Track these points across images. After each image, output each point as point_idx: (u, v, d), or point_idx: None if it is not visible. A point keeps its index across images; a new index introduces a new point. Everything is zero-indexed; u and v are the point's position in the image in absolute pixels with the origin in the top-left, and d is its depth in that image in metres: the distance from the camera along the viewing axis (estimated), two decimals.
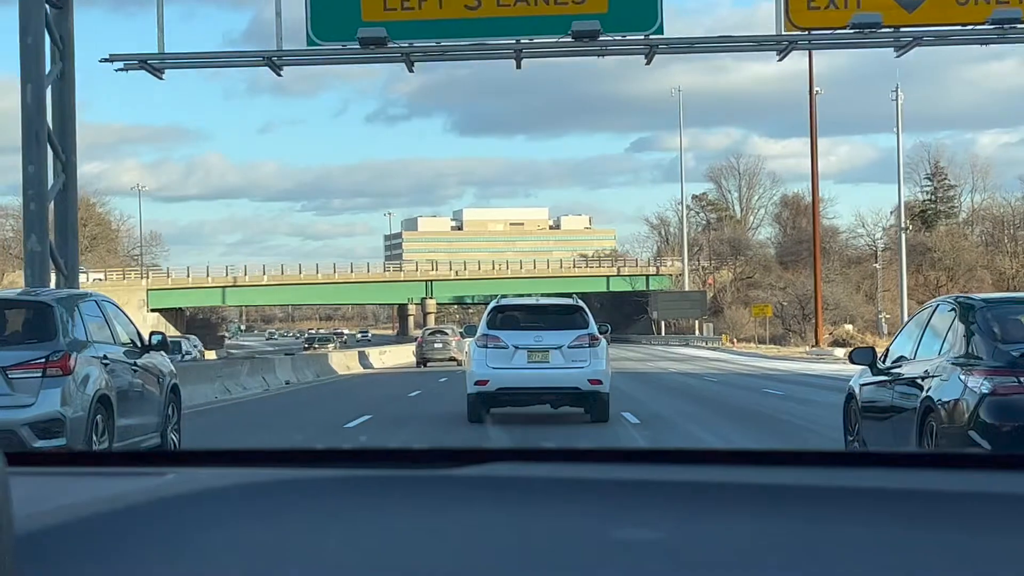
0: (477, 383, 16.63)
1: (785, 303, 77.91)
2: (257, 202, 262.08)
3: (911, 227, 71.77)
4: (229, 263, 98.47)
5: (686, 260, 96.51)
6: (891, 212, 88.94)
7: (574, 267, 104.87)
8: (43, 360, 9.43)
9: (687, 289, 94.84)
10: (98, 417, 9.72)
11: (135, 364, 10.46)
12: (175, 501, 1.44)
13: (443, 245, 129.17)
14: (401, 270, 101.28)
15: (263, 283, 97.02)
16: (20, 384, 9.35)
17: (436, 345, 42.58)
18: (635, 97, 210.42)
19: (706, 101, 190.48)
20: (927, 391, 7.96)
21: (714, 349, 66.78)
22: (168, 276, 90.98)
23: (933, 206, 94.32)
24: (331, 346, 74.27)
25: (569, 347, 16.52)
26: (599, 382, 16.32)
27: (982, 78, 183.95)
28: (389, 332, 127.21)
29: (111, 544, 1.30)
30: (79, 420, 9.49)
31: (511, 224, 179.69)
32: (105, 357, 9.93)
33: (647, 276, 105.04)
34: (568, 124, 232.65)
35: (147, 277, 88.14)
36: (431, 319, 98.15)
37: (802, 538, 1.29)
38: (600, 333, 16.97)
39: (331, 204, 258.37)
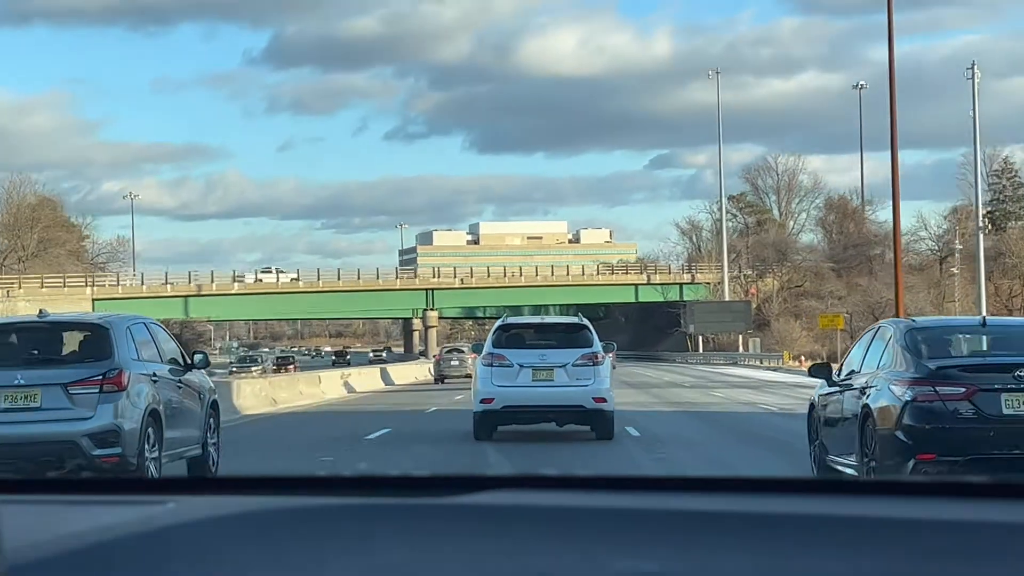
0: (483, 401, 19.01)
1: (848, 313, 76.75)
2: (276, 220, 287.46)
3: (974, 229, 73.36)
4: (194, 269, 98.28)
5: (726, 266, 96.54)
6: (945, 216, 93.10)
7: (597, 274, 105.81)
8: (100, 377, 12.25)
9: (728, 299, 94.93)
10: (149, 430, 12.53)
11: (179, 381, 13.38)
12: (173, 530, 1.57)
13: (459, 260, 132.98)
14: (397, 278, 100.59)
15: (232, 292, 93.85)
16: (79, 399, 12.16)
17: (453, 363, 53.12)
18: (654, 114, 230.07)
19: (725, 117, 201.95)
20: (865, 399, 11.07)
21: (774, 369, 64.92)
22: (119, 284, 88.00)
23: (1002, 206, 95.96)
24: (255, 370, 70.28)
25: (574, 365, 18.91)
26: (603, 400, 18.76)
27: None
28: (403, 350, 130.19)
29: (108, 575, 1.39)
30: (133, 432, 12.28)
31: (529, 238, 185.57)
32: (154, 374, 12.80)
33: (680, 285, 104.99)
34: (587, 141, 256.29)
35: (92, 285, 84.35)
36: (432, 335, 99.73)
37: (803, 569, 1.41)
38: (605, 351, 19.61)
39: (350, 222, 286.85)
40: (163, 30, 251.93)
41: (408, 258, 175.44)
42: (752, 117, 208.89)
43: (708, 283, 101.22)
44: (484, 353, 19.52)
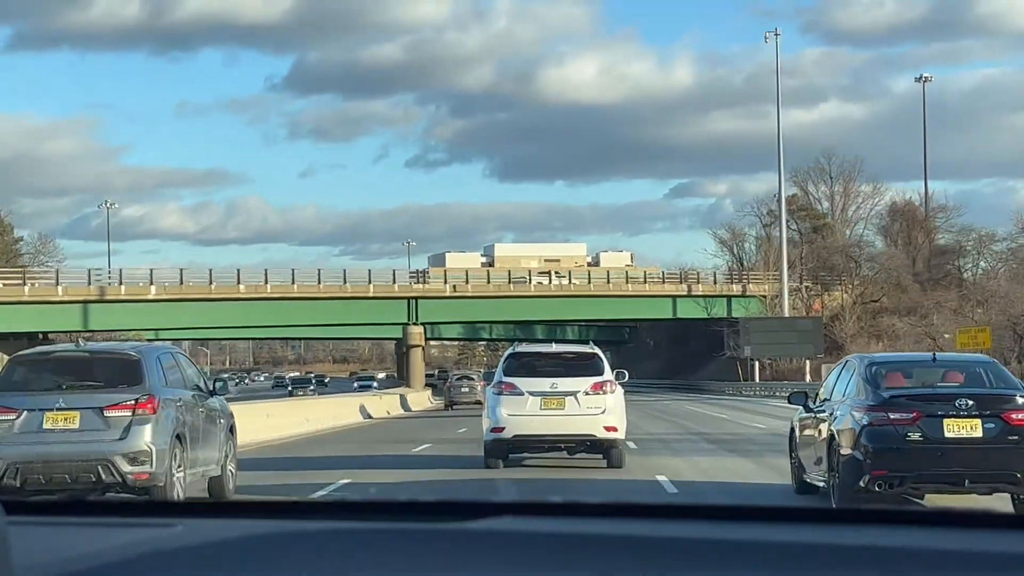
0: (493, 430, 22.23)
1: (944, 333, 77.02)
2: (295, 246, 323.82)
3: None
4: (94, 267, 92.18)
5: (785, 274, 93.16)
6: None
7: (627, 283, 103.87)
8: (132, 402, 16.35)
9: (788, 315, 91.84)
10: (175, 450, 16.61)
11: (202, 406, 17.57)
12: (180, 553, 1.81)
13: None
14: (370, 282, 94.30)
15: (148, 297, 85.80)
16: (114, 421, 16.26)
17: (463, 389, 67.30)
18: (674, 143, 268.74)
19: (744, 147, 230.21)
20: (832, 423, 15.40)
21: None
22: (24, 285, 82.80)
23: None
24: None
25: (585, 394, 22.11)
26: (615, 429, 22.04)
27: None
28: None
29: None
30: (161, 452, 16.35)
31: (546, 260, 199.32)
32: (179, 400, 16.94)
33: (728, 298, 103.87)
34: (607, 169, 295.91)
35: None
36: (415, 357, 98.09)
37: None
38: (616, 379, 22.75)
39: (368, 248, 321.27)
40: (186, 55, 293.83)
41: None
42: (772, 147, 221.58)
43: (763, 296, 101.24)
44: (494, 381, 22.91)
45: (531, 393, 22.30)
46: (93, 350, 17.73)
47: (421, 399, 75.81)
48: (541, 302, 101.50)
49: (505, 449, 22.49)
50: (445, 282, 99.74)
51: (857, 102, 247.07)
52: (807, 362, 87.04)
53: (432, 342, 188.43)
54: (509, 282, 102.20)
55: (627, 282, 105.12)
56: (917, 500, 15.89)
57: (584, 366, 22.74)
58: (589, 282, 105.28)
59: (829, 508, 2.40)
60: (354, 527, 2.08)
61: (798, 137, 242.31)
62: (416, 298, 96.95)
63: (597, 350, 23.66)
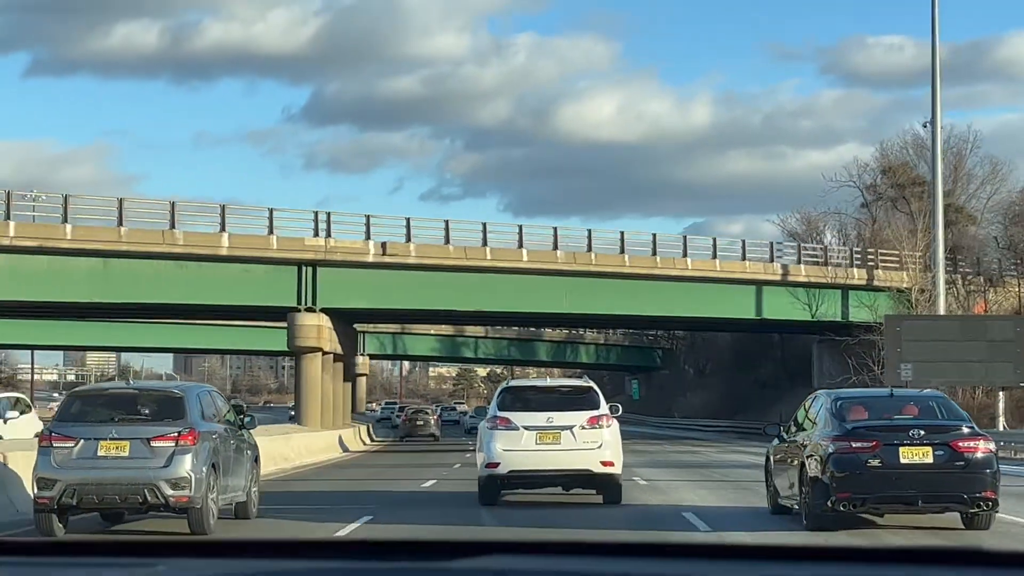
0: (488, 465, 22.94)
1: None
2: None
3: None
4: None
5: (941, 257, 62.93)
6: None
7: (685, 257, 68.28)
8: (176, 434, 20.13)
9: (943, 312, 62.52)
10: (210, 478, 20.40)
11: (232, 438, 20.76)
12: None
13: None
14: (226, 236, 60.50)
15: None
16: (159, 451, 20.04)
17: (419, 423, 73.69)
18: (691, 183, 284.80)
19: (762, 187, 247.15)
20: (803, 451, 18.11)
21: None
22: None
23: None
24: None
25: (581, 428, 22.78)
26: (611, 464, 22.86)
27: None
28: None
29: None
30: (200, 479, 20.16)
31: None
32: (215, 433, 20.76)
33: (844, 289, 72.90)
34: (622, 207, 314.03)
35: None
36: (313, 368, 63.82)
37: None
38: (611, 413, 23.44)
39: None
40: (205, 85, 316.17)
41: None
42: (789, 188, 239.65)
43: (903, 288, 71.46)
44: (489, 416, 23.73)
45: (526, 428, 22.99)
46: (142, 388, 21.41)
47: (340, 441, 58.81)
48: (540, 283, 66.01)
49: (500, 485, 23.31)
50: (367, 237, 62.33)
51: (875, 144, 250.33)
52: (1001, 394, 56.28)
53: (387, 364, 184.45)
54: (484, 244, 64.31)
55: (684, 255, 68.66)
56: (877, 518, 18.28)
57: (579, 400, 23.49)
58: (623, 251, 67.54)
59: (850, 547, 2.84)
60: (343, 567, 2.12)
61: (814, 179, 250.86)
62: (313, 264, 61.87)
63: (592, 383, 24.93)
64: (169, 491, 19.35)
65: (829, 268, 72.25)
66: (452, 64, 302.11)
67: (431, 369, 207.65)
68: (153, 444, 19.53)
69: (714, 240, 71.78)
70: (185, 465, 19.44)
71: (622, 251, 67.29)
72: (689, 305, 70.05)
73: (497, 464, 22.86)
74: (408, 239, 62.68)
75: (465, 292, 64.19)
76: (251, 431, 23.13)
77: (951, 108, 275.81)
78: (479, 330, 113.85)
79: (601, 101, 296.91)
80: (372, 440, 69.92)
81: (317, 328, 62.12)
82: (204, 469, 19.76)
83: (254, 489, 22.47)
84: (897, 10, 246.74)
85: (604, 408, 23.41)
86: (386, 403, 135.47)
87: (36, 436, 23.26)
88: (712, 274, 68.84)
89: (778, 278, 70.68)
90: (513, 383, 25.61)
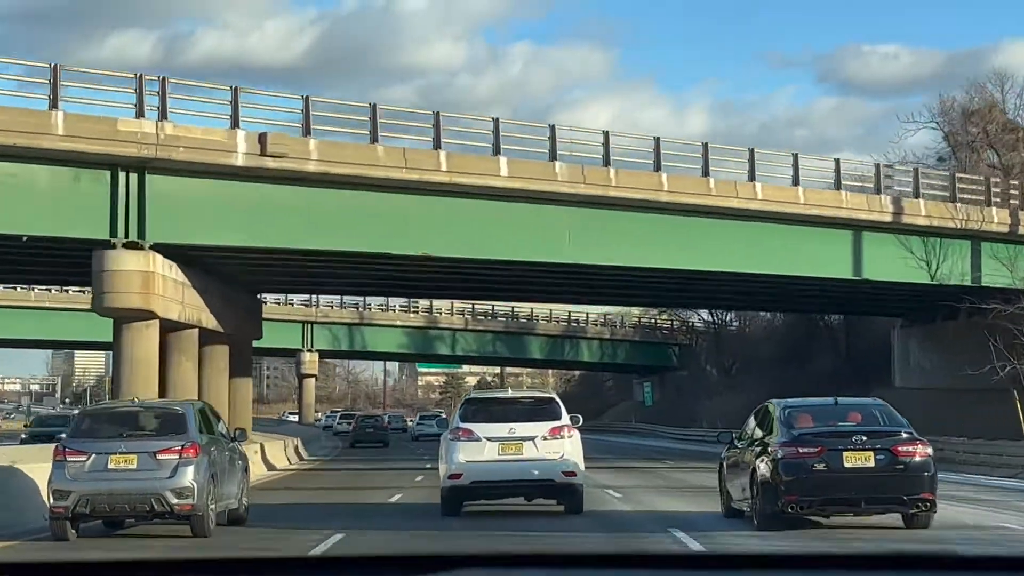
0: (450, 477, 23.74)
1: None
2: None
3: None
4: None
5: None
6: None
7: (753, 185, 47.82)
8: (179, 447, 23.02)
9: None
10: (210, 486, 22.08)
11: (227, 450, 23.37)
12: None
13: None
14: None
15: None
16: (164, 463, 22.90)
17: (368, 430, 76.24)
18: None
19: None
20: (754, 456, 19.87)
21: None
22: None
23: None
24: None
25: (543, 438, 23.69)
26: (573, 474, 23.94)
27: None
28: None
29: None
30: (201, 488, 23.11)
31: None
32: (213, 446, 23.31)
33: (977, 237, 53.32)
34: None
35: None
36: (135, 377, 39.37)
37: None
38: (573, 424, 24.35)
39: None
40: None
41: None
42: None
43: None
44: (451, 427, 24.66)
45: (488, 439, 23.73)
46: (147, 405, 24.45)
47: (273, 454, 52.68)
48: (528, 213, 44.58)
49: (462, 496, 24.23)
50: (235, 124, 39.57)
51: (868, 153, 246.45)
52: None
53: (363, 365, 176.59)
54: (438, 148, 42.13)
55: (752, 178, 47.93)
56: (823, 519, 19.90)
57: (541, 411, 24.41)
58: (658, 167, 46.00)
59: (814, 553, 2.80)
60: None
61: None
62: (139, 166, 38.96)
63: (554, 395, 26.50)
64: (174, 500, 21.89)
65: (959, 207, 51.45)
66: (448, 74, 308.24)
67: (420, 378, 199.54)
68: (159, 457, 22.05)
69: (795, 157, 49.23)
70: (188, 476, 21.98)
71: (657, 167, 45.26)
72: (752, 256, 48.51)
73: (460, 475, 23.60)
74: (307, 131, 39.96)
75: (405, 225, 42.54)
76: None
77: None
78: (457, 320, 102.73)
79: (597, 110, 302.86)
80: (302, 458, 57.24)
81: (144, 277, 38.84)
82: (205, 479, 22.34)
83: (245, 498, 24.93)
84: (893, 20, 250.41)
85: (566, 419, 24.24)
86: (330, 412, 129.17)
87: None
88: (791, 209, 47.80)
89: (887, 219, 49.95)
90: (475, 394, 26.83)
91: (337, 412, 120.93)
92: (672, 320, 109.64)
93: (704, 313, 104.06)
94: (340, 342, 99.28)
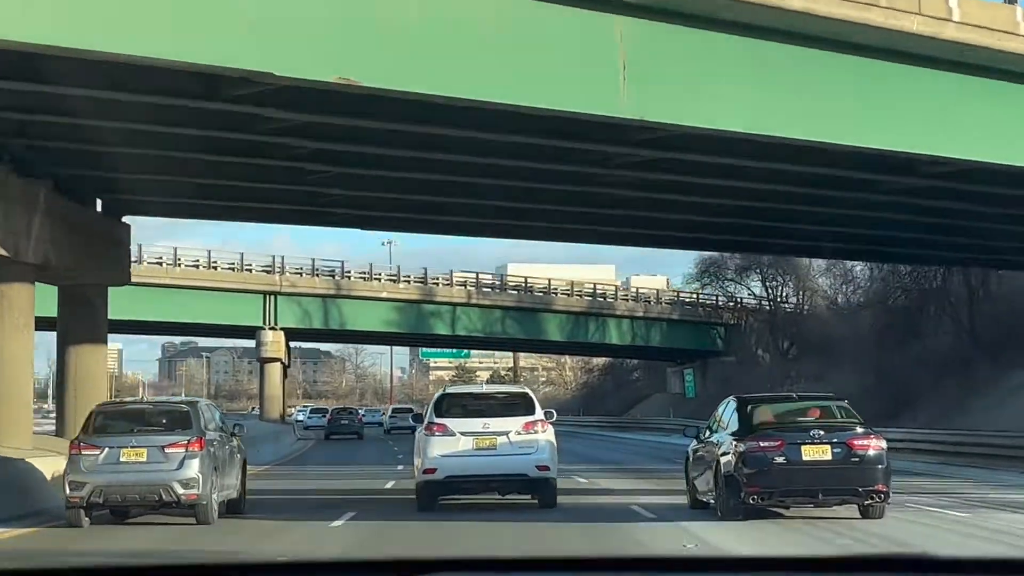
0: (425, 471, 24.28)
1: None
2: None
3: None
4: None
5: None
6: None
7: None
8: (186, 441, 25.57)
9: None
10: (213, 477, 24.33)
11: (228, 444, 26.52)
12: None
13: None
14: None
15: None
16: (171, 456, 25.46)
17: (343, 422, 78.09)
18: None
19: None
20: (718, 450, 21.54)
21: None
22: None
23: None
24: None
25: (517, 433, 24.17)
26: (547, 468, 24.52)
27: None
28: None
29: None
30: (206, 479, 25.87)
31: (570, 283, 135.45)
32: (215, 440, 26.30)
33: None
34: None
35: None
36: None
37: None
38: (547, 419, 24.83)
39: None
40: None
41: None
42: None
43: None
44: (426, 422, 25.05)
45: (463, 433, 24.23)
46: (155, 403, 26.21)
47: None
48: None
49: (437, 491, 24.69)
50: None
51: None
52: None
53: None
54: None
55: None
56: (784, 510, 21.15)
57: (515, 405, 24.95)
58: None
59: (799, 557, 3.26)
60: None
61: None
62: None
63: (528, 390, 26.93)
64: (181, 490, 24.18)
65: None
66: None
67: (430, 372, 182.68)
68: (167, 451, 24.27)
69: None
70: (194, 468, 24.21)
71: None
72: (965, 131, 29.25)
73: (434, 470, 24.09)
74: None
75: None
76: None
77: None
78: (458, 293, 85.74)
79: None
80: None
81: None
82: (209, 471, 24.68)
83: (242, 488, 26.89)
84: None
85: (540, 414, 24.83)
86: (302, 407, 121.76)
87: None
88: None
89: None
90: (450, 390, 26.75)
91: (308, 407, 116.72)
92: (717, 296, 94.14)
93: (756, 287, 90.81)
94: (312, 318, 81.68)
